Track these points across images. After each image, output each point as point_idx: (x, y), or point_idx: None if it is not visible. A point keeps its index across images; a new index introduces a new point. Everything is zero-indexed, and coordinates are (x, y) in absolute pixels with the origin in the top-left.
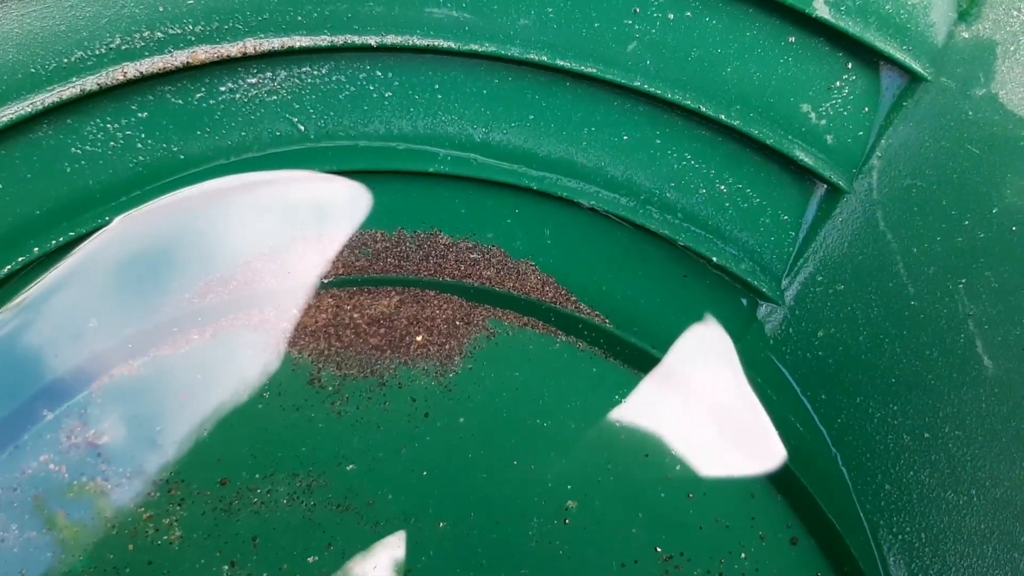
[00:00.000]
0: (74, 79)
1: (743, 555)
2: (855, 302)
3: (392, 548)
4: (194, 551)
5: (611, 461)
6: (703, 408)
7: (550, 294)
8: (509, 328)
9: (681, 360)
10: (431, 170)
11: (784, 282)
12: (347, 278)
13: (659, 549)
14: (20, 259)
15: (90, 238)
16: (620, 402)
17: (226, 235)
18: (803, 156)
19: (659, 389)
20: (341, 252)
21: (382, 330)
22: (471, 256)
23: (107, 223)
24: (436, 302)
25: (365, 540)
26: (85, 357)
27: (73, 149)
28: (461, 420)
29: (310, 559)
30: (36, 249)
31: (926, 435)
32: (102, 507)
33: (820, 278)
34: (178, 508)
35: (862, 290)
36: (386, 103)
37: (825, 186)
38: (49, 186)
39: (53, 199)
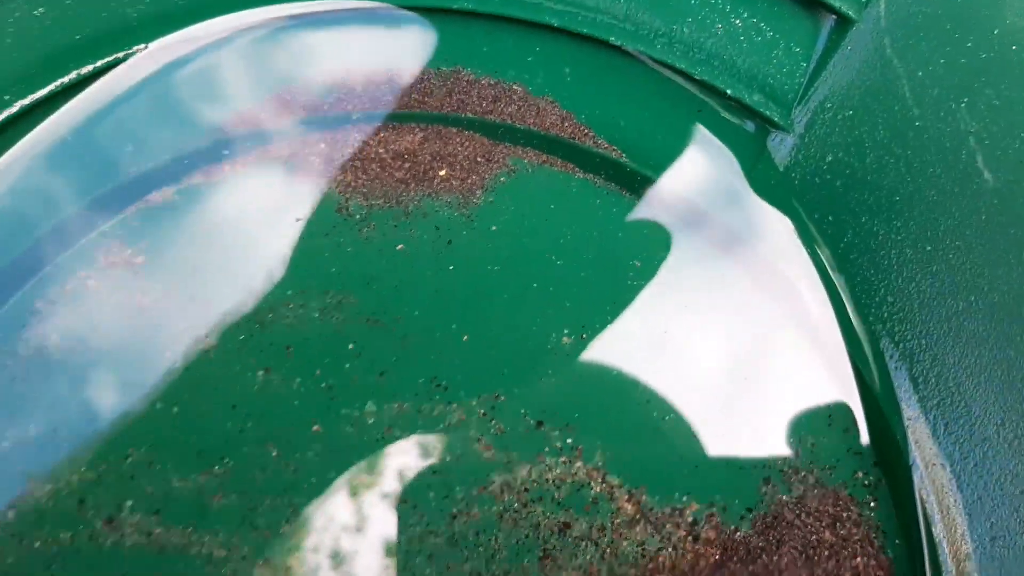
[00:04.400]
0: None
1: None
2: (862, 126)
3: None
4: (229, 359)
5: (624, 284)
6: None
7: (569, 130)
8: (529, 165)
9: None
10: (455, 7)
11: (795, 111)
12: (373, 113)
13: None
14: (60, 81)
15: (126, 63)
16: (636, 234)
17: (257, 67)
18: None
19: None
20: (367, 87)
21: (406, 164)
22: (493, 92)
23: (144, 49)
24: (458, 139)
25: (394, 350)
26: (121, 181)
27: None
28: (493, 228)
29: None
30: (75, 73)
31: (928, 247)
32: (139, 323)
33: (829, 105)
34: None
35: (869, 114)
36: None
37: (835, 17)
38: (89, 11)
39: (92, 25)
